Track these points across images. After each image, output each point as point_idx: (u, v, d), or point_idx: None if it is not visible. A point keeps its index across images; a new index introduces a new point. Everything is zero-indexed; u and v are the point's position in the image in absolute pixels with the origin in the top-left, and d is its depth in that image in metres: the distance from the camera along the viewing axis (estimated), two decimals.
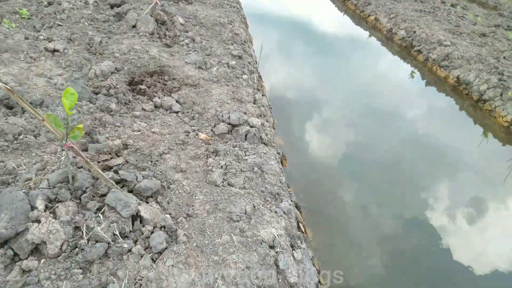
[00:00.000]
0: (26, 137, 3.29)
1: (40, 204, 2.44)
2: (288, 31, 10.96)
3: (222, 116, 4.21)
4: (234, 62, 5.70)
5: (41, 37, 5.24)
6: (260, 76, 6.63)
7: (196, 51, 5.95)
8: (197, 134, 3.97)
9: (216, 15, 7.73)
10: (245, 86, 5.20)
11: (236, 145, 3.83)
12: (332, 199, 4.45)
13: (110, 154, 3.17)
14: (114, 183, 2.66)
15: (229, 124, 4.11)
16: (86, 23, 5.96)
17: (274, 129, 5.10)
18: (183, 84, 4.88)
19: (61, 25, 5.73)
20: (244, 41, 7.02)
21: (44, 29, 5.63)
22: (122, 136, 3.65)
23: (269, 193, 3.27)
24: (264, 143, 4.16)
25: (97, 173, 2.57)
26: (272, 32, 10.56)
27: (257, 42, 8.76)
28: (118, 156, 3.21)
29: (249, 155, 3.67)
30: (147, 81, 4.78)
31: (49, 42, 5.18)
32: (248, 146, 3.82)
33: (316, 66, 8.69)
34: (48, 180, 2.63)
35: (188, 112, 4.32)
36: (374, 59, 9.87)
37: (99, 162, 3.02)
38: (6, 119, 3.37)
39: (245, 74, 5.50)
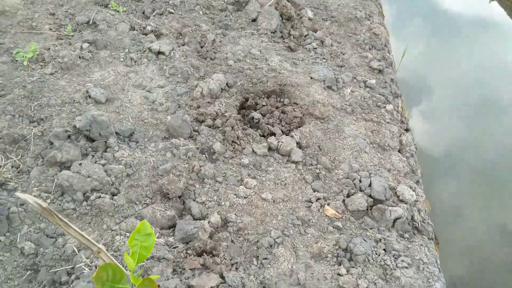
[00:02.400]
0: (100, 197, 2.45)
1: None
2: (423, 19, 8.83)
3: (360, 181, 2.96)
4: (373, 81, 4.30)
5: (149, 28, 4.43)
6: (400, 96, 5.11)
7: (325, 59, 4.66)
8: (322, 206, 2.80)
9: (351, 5, 6.23)
10: (388, 122, 3.82)
11: (380, 240, 2.58)
12: None
13: (201, 254, 2.16)
14: None
15: (370, 196, 2.85)
16: (201, 12, 5.03)
17: (422, 186, 3.66)
18: (307, 113, 3.68)
19: (172, 13, 4.87)
20: (385, 44, 5.50)
21: (154, 15, 4.82)
22: (223, 203, 2.64)
23: None
24: (417, 229, 2.84)
25: None
26: (407, 21, 8.60)
27: (392, 39, 7.04)
28: (214, 255, 2.19)
29: (402, 266, 2.40)
30: (263, 106, 3.69)
31: (156, 36, 4.35)
32: (400, 247, 2.54)
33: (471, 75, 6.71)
34: None
35: (311, 165, 3.14)
36: None
37: (182, 270, 2.03)
38: (80, 164, 2.56)
39: (388, 101, 4.09)
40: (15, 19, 4.08)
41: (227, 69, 3.98)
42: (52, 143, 2.75)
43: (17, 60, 3.46)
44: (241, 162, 3.01)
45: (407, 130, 4.12)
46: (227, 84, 3.73)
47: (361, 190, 2.90)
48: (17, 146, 2.71)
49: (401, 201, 2.93)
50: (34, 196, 2.42)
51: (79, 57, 3.67)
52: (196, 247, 2.18)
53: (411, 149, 3.70)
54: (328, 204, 2.81)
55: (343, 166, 3.15)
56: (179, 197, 2.61)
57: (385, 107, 3.97)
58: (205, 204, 2.61)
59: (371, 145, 3.47)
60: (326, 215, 2.75)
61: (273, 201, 2.76)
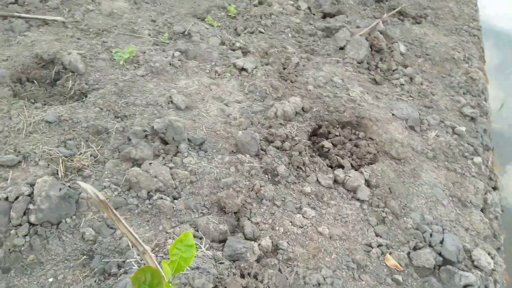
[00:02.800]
0: (162, 198, 2.53)
1: None
2: None
3: (431, 236, 2.69)
4: (463, 129, 3.95)
5: (237, 44, 4.58)
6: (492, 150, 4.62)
7: (411, 97, 4.41)
8: (383, 254, 2.58)
9: (450, 45, 5.87)
10: (473, 175, 3.46)
11: None
12: None
13: (245, 276, 2.10)
14: None
15: (440, 254, 2.57)
16: (290, 35, 5.09)
17: (504, 255, 3.23)
18: (382, 151, 3.49)
19: (262, 33, 4.99)
20: (482, 91, 5.05)
21: (245, 33, 4.98)
22: (277, 228, 2.56)
23: None
24: None
25: None
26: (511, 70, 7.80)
27: (491, 87, 6.44)
28: (258, 280, 2.12)
29: None
30: (335, 135, 3.57)
31: (243, 53, 4.48)
32: None
33: None
34: None
35: (378, 207, 2.94)
36: None
37: None
38: (150, 163, 2.67)
39: (477, 153, 3.72)
40: (120, 21, 4.48)
41: (305, 94, 3.94)
42: (130, 140, 2.91)
43: (115, 59, 3.77)
44: (303, 190, 2.91)
45: (494, 188, 3.70)
46: (302, 108, 3.69)
47: (430, 246, 2.63)
48: (99, 137, 2.92)
49: (476, 267, 2.60)
50: (104, 186, 2.57)
51: (169, 64, 3.90)
52: (242, 268, 2.12)
53: (496, 210, 3.30)
54: (390, 253, 2.59)
55: (413, 215, 2.90)
56: (235, 213, 2.59)
57: (472, 158, 3.62)
58: (259, 226, 2.56)
59: (450, 198, 3.16)
60: (386, 264, 2.53)
61: (330, 237, 2.62)
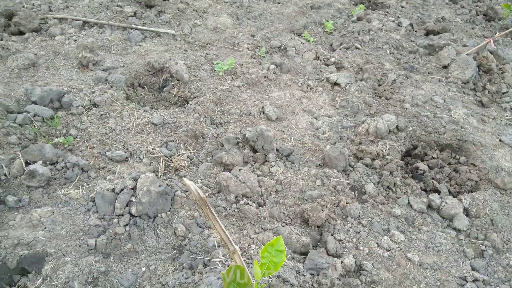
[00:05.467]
0: (248, 203, 2.61)
1: None
2: None
3: None
4: None
5: (332, 59, 4.57)
6: None
7: None
8: None
9: None
10: None
11: None
12: None
13: None
14: None
15: None
16: (388, 51, 4.92)
17: None
18: (486, 178, 3.17)
19: (359, 49, 4.91)
20: None
21: (340, 49, 4.96)
22: (361, 248, 2.48)
23: None
24: None
25: None
26: None
27: None
28: None
29: None
30: (432, 158, 3.35)
31: (337, 68, 4.46)
32: None
33: None
34: None
35: (477, 239, 2.68)
36: None
37: None
38: (240, 169, 2.78)
39: None
40: (223, 35, 4.78)
41: (401, 112, 3.77)
42: (222, 146, 3.08)
43: (215, 70, 4.02)
44: (392, 212, 2.77)
45: None
46: (397, 126, 3.53)
47: None
48: (196, 141, 3.13)
49: None
50: (197, 186, 2.73)
51: (264, 76, 4.04)
52: (323, 283, 2.09)
53: None
54: None
55: None
56: (318, 227, 2.56)
57: None
58: (342, 243, 2.50)
59: None
60: None
61: (419, 264, 2.45)
